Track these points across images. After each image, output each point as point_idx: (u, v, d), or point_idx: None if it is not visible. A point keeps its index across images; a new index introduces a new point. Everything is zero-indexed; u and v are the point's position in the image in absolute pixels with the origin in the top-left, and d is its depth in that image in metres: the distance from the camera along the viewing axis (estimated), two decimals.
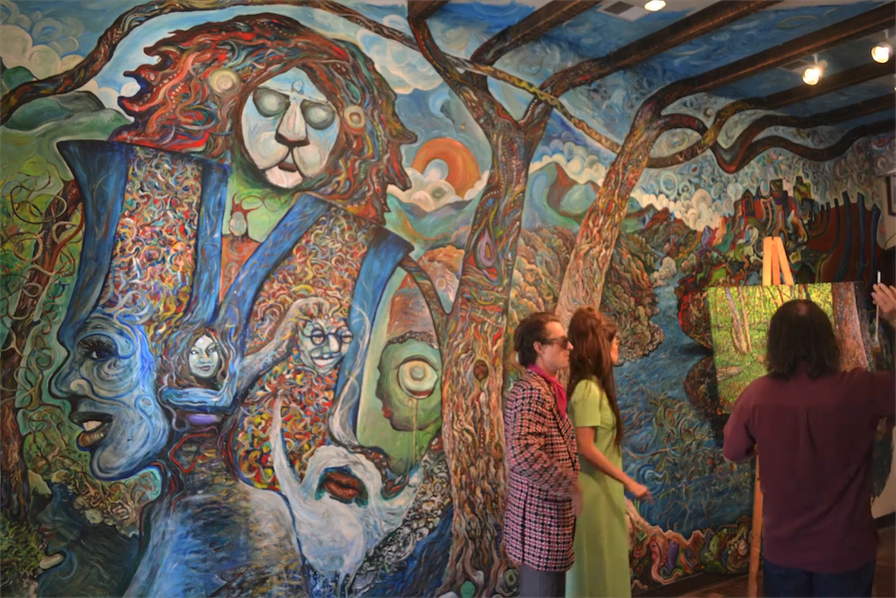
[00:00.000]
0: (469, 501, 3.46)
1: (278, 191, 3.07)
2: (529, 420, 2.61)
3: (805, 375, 2.35)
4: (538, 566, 2.64)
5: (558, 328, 2.79)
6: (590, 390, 3.09)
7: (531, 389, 2.68)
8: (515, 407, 2.68)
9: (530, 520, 2.67)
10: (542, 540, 2.64)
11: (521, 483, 2.72)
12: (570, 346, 2.82)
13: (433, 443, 3.39)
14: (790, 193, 5.16)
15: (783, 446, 2.36)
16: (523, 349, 2.81)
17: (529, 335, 2.78)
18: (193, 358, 2.84)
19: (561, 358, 2.78)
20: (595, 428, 3.09)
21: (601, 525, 3.11)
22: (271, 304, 3.02)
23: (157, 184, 2.80)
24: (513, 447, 2.58)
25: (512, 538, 2.74)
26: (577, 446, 2.98)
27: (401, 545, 3.25)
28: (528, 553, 2.67)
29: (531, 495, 2.69)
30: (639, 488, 3.13)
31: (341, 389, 3.16)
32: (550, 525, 2.65)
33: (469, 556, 3.44)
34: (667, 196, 4.42)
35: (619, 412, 3.21)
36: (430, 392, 3.40)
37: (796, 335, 2.36)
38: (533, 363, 2.80)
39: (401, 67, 3.43)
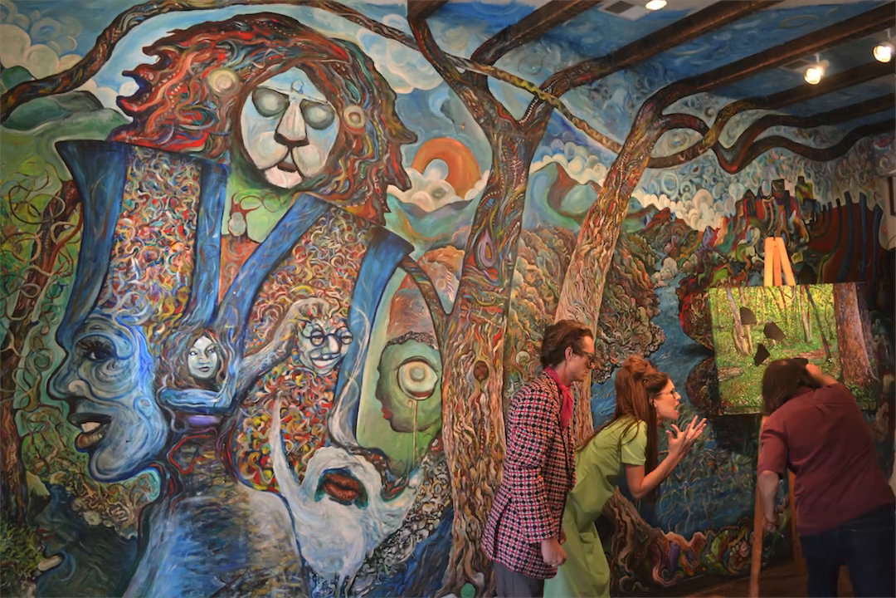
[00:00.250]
0: (469, 502, 3.45)
1: (277, 191, 3.06)
2: (527, 439, 2.57)
3: (807, 388, 3.09)
4: (514, 566, 2.60)
5: (591, 344, 2.85)
6: (640, 434, 3.17)
7: (539, 391, 2.66)
8: (519, 414, 2.64)
9: (508, 518, 2.63)
10: (520, 542, 2.59)
11: (515, 478, 2.69)
12: (593, 365, 2.87)
13: (433, 444, 3.37)
14: (792, 194, 5.15)
15: (818, 431, 2.93)
16: (553, 350, 2.80)
17: (567, 338, 2.78)
18: (192, 359, 2.82)
19: (582, 371, 2.83)
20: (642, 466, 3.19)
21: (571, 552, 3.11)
22: (270, 304, 3.01)
23: (155, 184, 2.79)
24: (511, 469, 2.57)
25: (488, 532, 2.72)
26: (631, 485, 3.18)
27: (401, 546, 3.23)
28: (502, 551, 2.63)
29: None
30: (690, 433, 3.22)
31: (341, 390, 3.15)
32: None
33: (469, 558, 3.42)
34: (668, 196, 4.41)
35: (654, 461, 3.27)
36: (430, 393, 3.39)
37: (790, 375, 3.13)
38: (554, 367, 2.80)
39: (401, 67, 3.42)
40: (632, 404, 3.25)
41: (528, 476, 2.53)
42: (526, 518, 2.52)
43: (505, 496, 2.68)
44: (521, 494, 2.53)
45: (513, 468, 2.56)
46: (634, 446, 3.14)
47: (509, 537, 2.62)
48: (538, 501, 2.52)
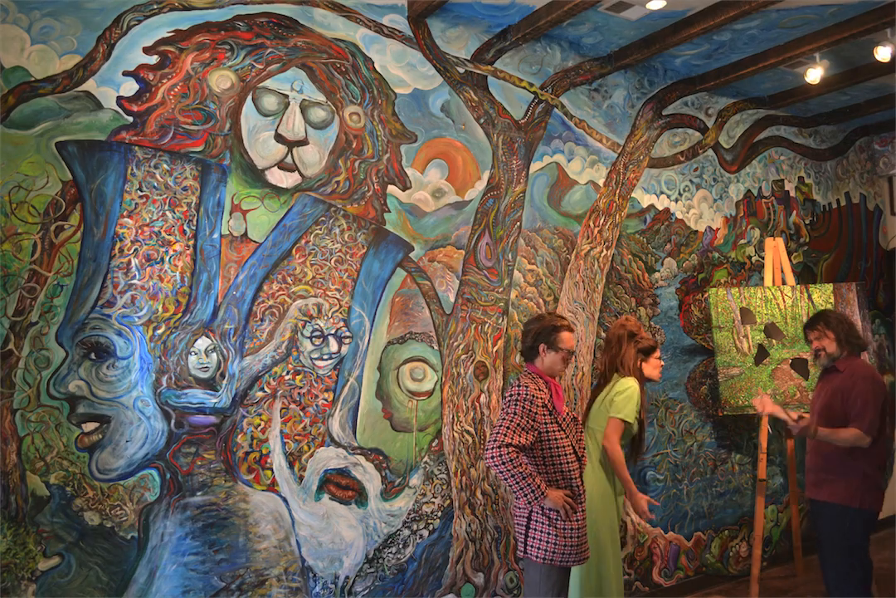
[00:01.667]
0: (469, 502, 3.45)
1: (277, 191, 3.06)
2: (509, 428, 2.58)
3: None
4: (543, 559, 2.64)
5: (570, 339, 2.79)
6: (634, 387, 3.15)
7: (519, 385, 2.70)
8: (503, 408, 2.70)
9: (537, 513, 2.67)
10: (549, 533, 2.64)
11: (494, 458, 2.69)
12: (573, 360, 2.83)
13: (433, 444, 3.37)
14: (792, 194, 5.15)
15: None
16: (529, 347, 2.80)
17: (540, 336, 2.77)
18: (192, 359, 2.82)
19: (559, 367, 2.79)
20: (625, 424, 3.12)
21: (606, 524, 3.10)
22: (270, 304, 3.01)
23: (155, 184, 2.79)
24: (489, 449, 2.57)
25: (518, 531, 2.75)
26: (606, 437, 3.11)
27: (401, 546, 3.23)
28: (532, 546, 2.67)
29: None
30: (643, 509, 3.12)
31: (341, 390, 3.15)
32: (557, 519, 2.64)
33: (469, 558, 3.42)
34: (668, 196, 4.41)
35: (643, 427, 3.25)
36: (430, 393, 3.39)
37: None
38: (532, 362, 2.80)
39: (401, 67, 3.41)
40: (621, 362, 3.24)
41: (504, 453, 2.54)
42: (522, 488, 2.55)
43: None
44: (504, 470, 2.54)
45: (489, 449, 2.57)
46: (625, 397, 3.12)
47: (540, 531, 2.66)
48: (519, 469, 2.54)
